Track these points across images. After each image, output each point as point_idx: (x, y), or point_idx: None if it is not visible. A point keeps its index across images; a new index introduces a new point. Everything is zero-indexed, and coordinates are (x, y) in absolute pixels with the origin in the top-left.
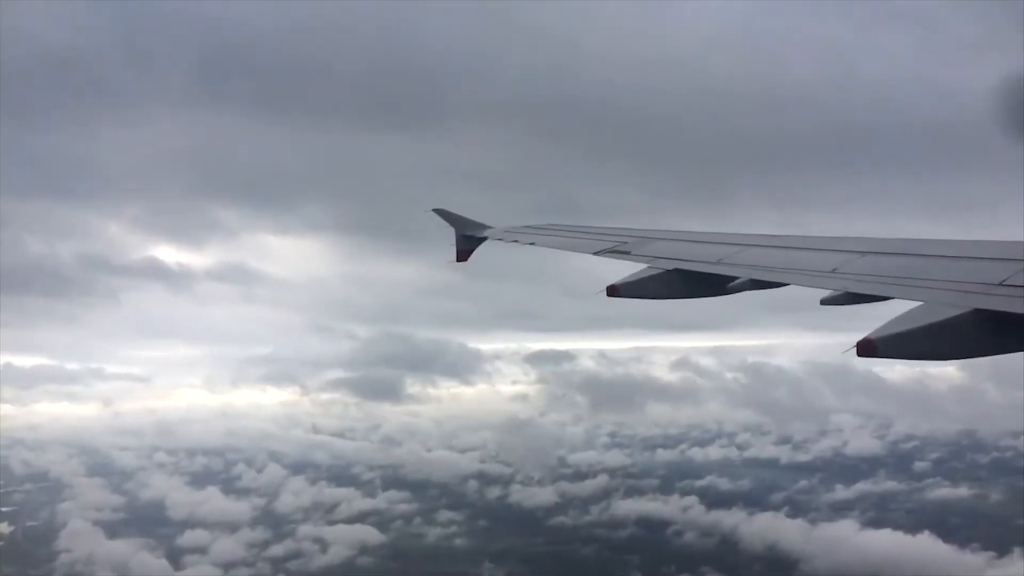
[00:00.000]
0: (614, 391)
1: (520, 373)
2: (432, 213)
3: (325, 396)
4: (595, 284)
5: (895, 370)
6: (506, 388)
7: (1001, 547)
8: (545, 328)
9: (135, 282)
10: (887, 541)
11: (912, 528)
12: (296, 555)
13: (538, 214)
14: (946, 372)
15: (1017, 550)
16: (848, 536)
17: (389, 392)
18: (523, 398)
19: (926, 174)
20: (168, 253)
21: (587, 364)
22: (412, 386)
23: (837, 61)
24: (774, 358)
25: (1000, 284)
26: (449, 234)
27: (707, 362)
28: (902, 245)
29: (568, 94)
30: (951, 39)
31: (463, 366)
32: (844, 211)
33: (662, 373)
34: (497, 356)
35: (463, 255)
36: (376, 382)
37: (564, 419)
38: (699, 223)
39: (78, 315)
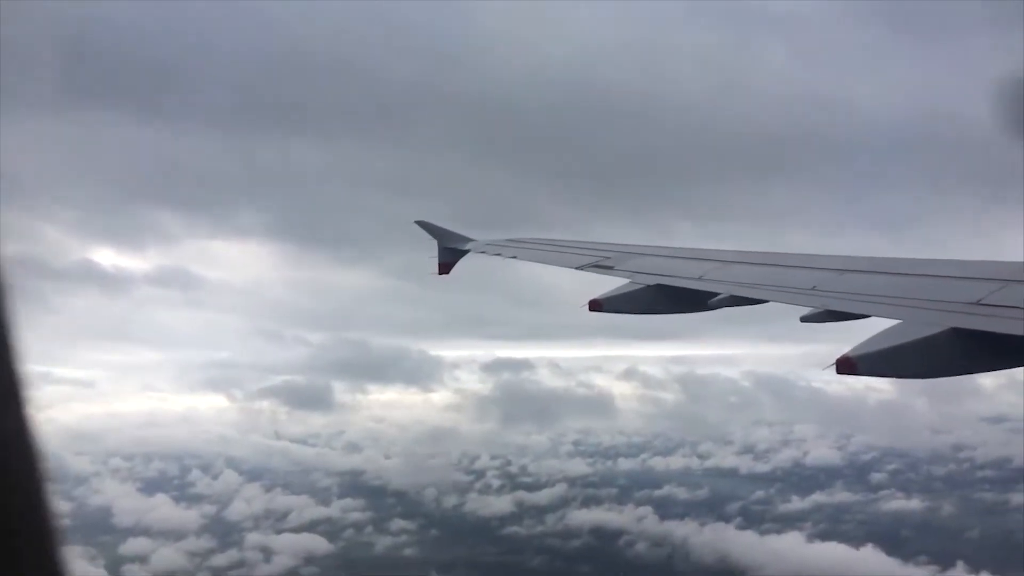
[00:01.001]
0: (539, 402)
1: (477, 381)
2: (416, 225)
3: (255, 404)
4: (575, 296)
5: (841, 384)
6: (439, 397)
7: (946, 560)
8: (512, 337)
9: (72, 286)
10: (832, 554)
11: (861, 540)
12: (239, 565)
13: (454, 221)
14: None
15: (961, 563)
16: (795, 548)
17: (319, 401)
18: (457, 407)
19: (809, 187)
20: (107, 256)
21: (537, 374)
22: (344, 394)
23: (718, 71)
24: (742, 367)
25: (978, 303)
26: (399, 243)
27: (656, 372)
28: (881, 264)
29: (456, 98)
30: (835, 46)
31: (423, 373)
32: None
33: (608, 383)
34: (457, 365)
35: (444, 268)
36: (307, 390)
37: (528, 428)
38: (620, 231)
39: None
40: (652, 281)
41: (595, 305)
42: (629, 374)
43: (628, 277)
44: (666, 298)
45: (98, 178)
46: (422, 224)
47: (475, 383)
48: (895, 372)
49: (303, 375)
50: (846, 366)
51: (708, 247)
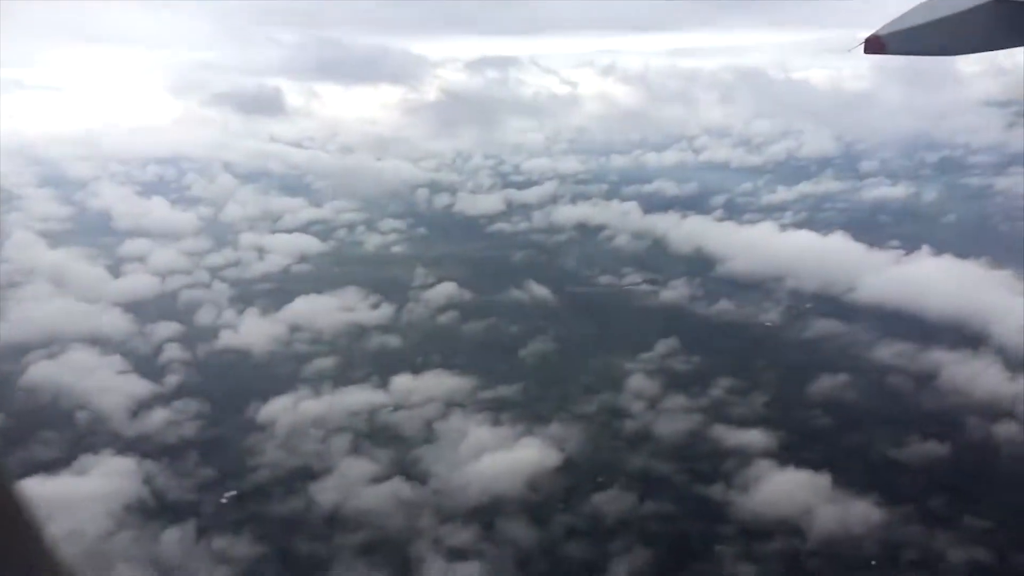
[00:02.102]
0: (520, 102)
1: (462, 80)
2: None
3: (204, 112)
4: None
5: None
6: (421, 96)
7: (913, 245)
8: (505, 31)
9: None
10: (799, 241)
11: (838, 227)
12: (235, 263)
13: None
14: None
15: (926, 247)
16: (765, 237)
17: (269, 105)
18: (439, 107)
19: None
20: None
21: (524, 72)
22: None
23: None
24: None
25: None
26: None
27: (636, 65)
28: None
29: None
30: None
31: (406, 73)
32: None
33: (593, 78)
34: (441, 63)
35: None
36: (257, 95)
37: (522, 127)
38: None
39: None
40: None
41: (874, 45)
42: (611, 69)
43: None
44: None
45: None
46: None
47: (460, 81)
48: (929, 49)
49: (283, 77)
50: (875, 45)
51: None
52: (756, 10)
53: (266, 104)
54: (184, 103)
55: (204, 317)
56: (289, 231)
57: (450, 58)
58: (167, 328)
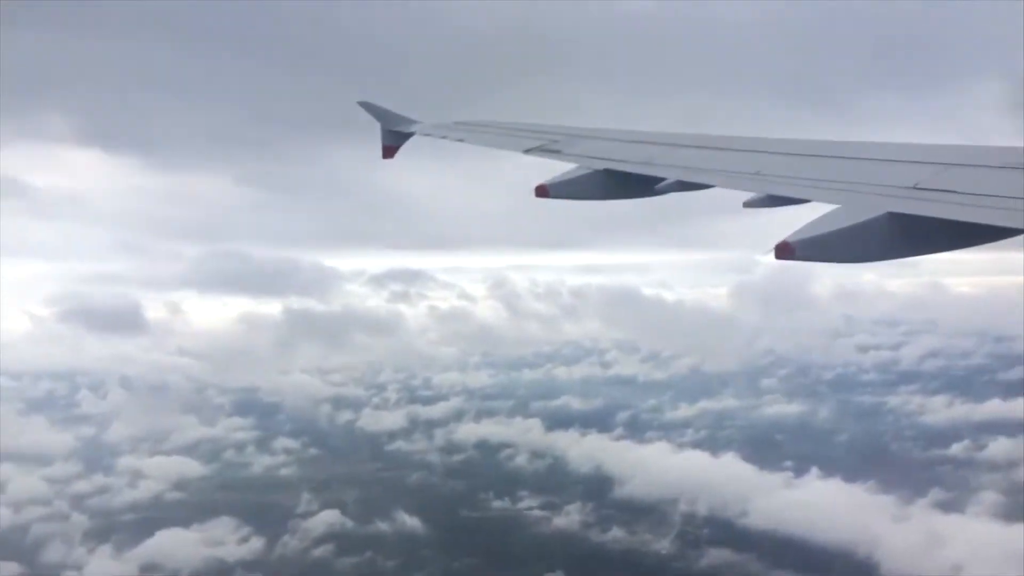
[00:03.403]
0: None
1: (368, 293)
2: (358, 106)
3: (55, 327)
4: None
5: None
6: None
7: (804, 466)
8: (414, 246)
9: None
10: (693, 462)
11: (736, 446)
12: (103, 491)
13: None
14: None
15: (815, 469)
16: (660, 458)
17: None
18: (346, 320)
19: None
20: None
21: (430, 285)
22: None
23: None
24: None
25: (914, 187)
26: (242, 149)
27: (523, 282)
28: (821, 147)
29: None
30: None
31: (319, 286)
32: None
33: (491, 292)
34: (351, 276)
35: (388, 151)
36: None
37: (437, 338)
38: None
39: None
40: (600, 165)
41: (541, 191)
42: (514, 284)
43: (576, 161)
44: (613, 183)
45: None
46: (364, 105)
47: (366, 294)
48: (832, 256)
49: (191, 289)
50: (784, 251)
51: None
52: (663, 233)
53: (127, 319)
54: (60, 316)
55: (50, 555)
56: (171, 453)
57: (360, 271)
58: (5, 570)
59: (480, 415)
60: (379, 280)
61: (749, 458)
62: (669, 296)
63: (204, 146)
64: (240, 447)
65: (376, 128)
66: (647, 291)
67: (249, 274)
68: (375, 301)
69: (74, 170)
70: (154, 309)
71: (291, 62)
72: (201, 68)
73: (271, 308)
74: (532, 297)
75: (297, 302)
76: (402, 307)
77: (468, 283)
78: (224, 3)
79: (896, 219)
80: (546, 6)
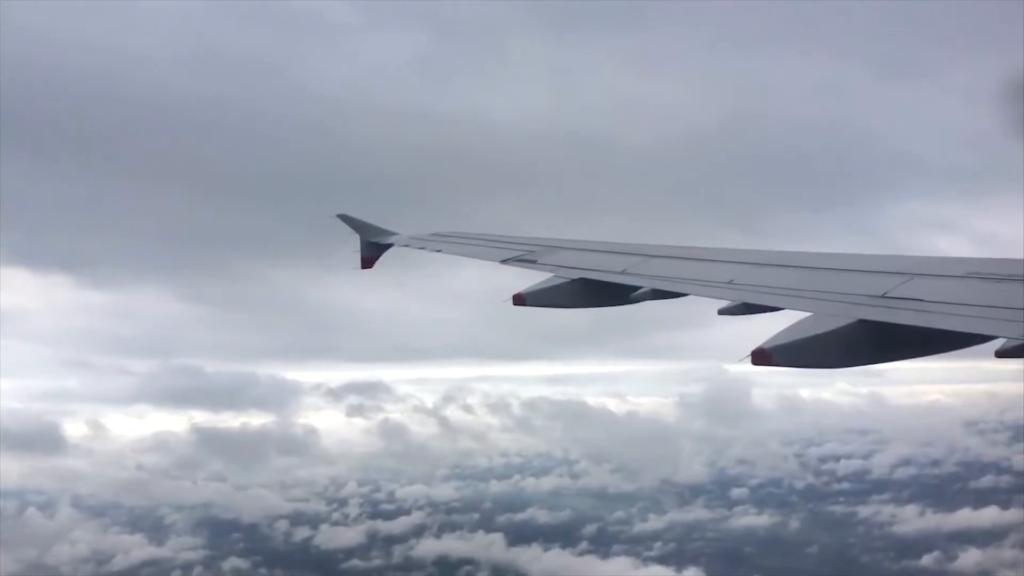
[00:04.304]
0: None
1: (323, 405)
2: (337, 219)
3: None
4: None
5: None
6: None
7: None
8: (368, 359)
9: None
10: None
11: (699, 561)
12: None
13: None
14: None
15: None
16: (625, 573)
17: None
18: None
19: None
20: None
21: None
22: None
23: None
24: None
25: (883, 296)
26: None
27: (476, 395)
28: (793, 258)
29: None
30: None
31: (278, 399)
32: None
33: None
34: (315, 388)
35: (367, 262)
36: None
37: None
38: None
39: None
40: (576, 275)
41: (519, 299)
42: (459, 395)
43: (551, 271)
44: (589, 292)
45: None
46: (343, 218)
47: (324, 407)
48: (807, 362)
49: (145, 403)
50: (761, 357)
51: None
52: (639, 341)
53: (80, 435)
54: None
55: None
56: (120, 575)
57: (320, 384)
58: None
59: (443, 529)
60: (338, 392)
61: (715, 573)
62: (624, 406)
63: (135, 265)
64: (187, 568)
65: (340, 242)
66: (600, 401)
67: (205, 388)
68: (335, 413)
69: (4, 288)
70: (108, 425)
71: (221, 187)
72: (123, 192)
73: (230, 422)
74: (485, 409)
75: (256, 416)
76: (361, 420)
77: (430, 394)
78: (138, 128)
79: (867, 326)
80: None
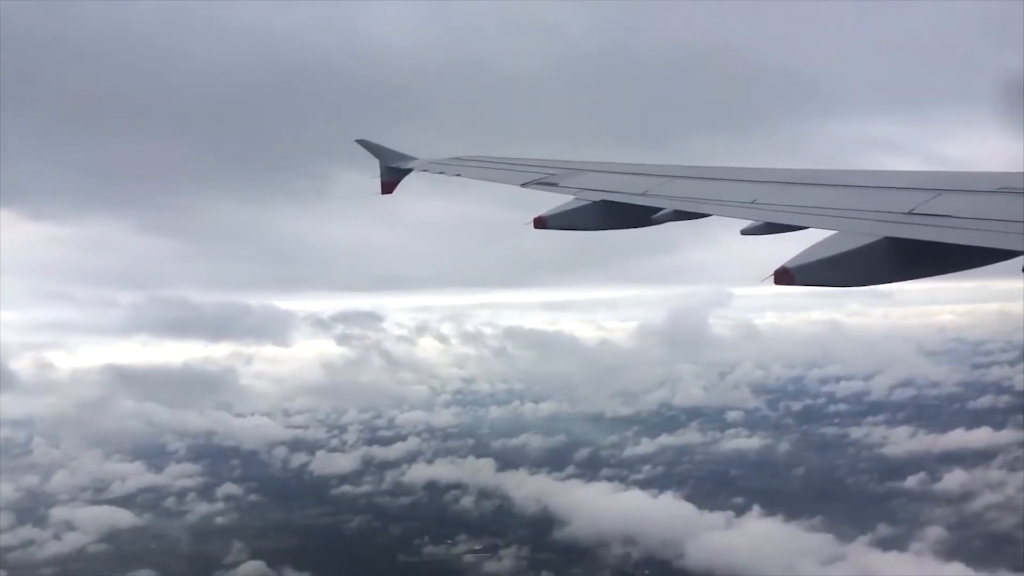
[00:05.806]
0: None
1: (320, 336)
2: (356, 144)
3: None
4: None
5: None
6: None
7: (747, 505)
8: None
9: None
10: (630, 502)
11: (685, 485)
12: (26, 544)
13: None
14: None
15: (756, 507)
16: (602, 497)
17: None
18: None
19: None
20: None
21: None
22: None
23: None
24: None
25: (910, 213)
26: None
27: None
28: (817, 176)
29: None
30: None
31: (274, 329)
32: None
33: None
34: (309, 318)
35: (387, 187)
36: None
37: (408, 377)
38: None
39: None
40: (597, 197)
41: (540, 222)
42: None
43: (573, 194)
44: (611, 214)
45: None
46: (363, 143)
47: (320, 335)
48: (831, 281)
49: (141, 334)
50: (784, 277)
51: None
52: (658, 264)
53: (82, 364)
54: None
55: None
56: (106, 503)
57: (314, 313)
58: None
59: (436, 455)
60: (332, 322)
61: (697, 496)
62: (620, 333)
63: (78, 198)
64: (182, 495)
65: (361, 166)
66: (608, 326)
67: (198, 319)
68: (331, 342)
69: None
70: (104, 355)
71: (158, 119)
72: (53, 128)
73: (226, 351)
74: (460, 339)
75: (254, 345)
76: (360, 347)
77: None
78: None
79: (894, 244)
80: None
